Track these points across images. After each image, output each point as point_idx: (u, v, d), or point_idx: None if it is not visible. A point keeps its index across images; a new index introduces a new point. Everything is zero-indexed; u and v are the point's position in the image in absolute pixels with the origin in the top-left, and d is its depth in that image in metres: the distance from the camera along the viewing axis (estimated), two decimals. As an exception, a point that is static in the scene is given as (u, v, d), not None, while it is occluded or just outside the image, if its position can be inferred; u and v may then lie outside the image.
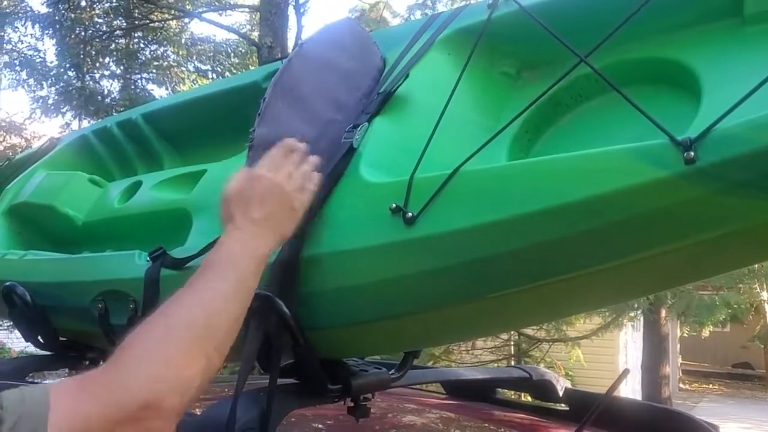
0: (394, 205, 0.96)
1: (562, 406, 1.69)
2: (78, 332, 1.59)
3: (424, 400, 1.79)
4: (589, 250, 0.84)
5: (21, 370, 1.58)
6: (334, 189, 1.08)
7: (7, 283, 1.57)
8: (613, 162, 0.81)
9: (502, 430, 1.48)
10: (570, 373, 7.70)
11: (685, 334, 13.42)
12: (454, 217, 0.91)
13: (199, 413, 1.08)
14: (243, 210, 0.91)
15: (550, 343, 6.33)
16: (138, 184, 1.75)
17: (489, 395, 1.78)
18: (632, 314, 5.47)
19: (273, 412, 1.02)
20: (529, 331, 6.85)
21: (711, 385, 14.41)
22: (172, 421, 0.70)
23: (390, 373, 1.24)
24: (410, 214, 0.94)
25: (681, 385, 13.89)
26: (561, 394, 1.67)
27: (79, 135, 2.20)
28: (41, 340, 1.65)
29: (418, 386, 2.07)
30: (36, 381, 1.58)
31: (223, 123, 1.78)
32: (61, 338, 1.64)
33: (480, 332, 1.54)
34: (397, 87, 1.16)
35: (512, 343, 7.11)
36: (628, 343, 10.57)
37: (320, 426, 1.50)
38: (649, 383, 6.01)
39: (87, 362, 1.67)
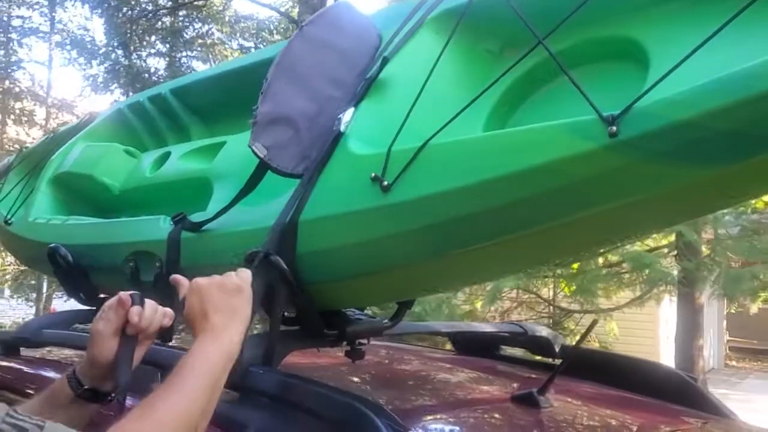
0: (373, 175, 1.09)
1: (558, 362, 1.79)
2: (113, 288, 1.77)
3: (430, 354, 1.93)
4: (532, 212, 0.96)
5: (67, 322, 1.78)
6: (326, 162, 1.21)
7: (52, 245, 1.75)
8: (551, 136, 0.92)
9: (488, 377, 1.60)
10: (606, 345, 7.73)
11: (733, 311, 13.17)
12: (422, 185, 1.04)
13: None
14: (203, 320, 0.95)
15: (581, 315, 6.38)
16: (167, 155, 1.92)
17: (493, 351, 1.91)
18: (662, 288, 5.47)
19: (276, 351, 1.18)
20: (563, 303, 6.92)
21: (760, 363, 14.16)
22: None
23: (384, 322, 1.39)
24: (386, 182, 1.07)
25: (728, 362, 13.69)
26: (558, 349, 1.78)
27: (115, 109, 2.37)
28: (82, 296, 1.84)
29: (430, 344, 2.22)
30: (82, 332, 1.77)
31: (244, 96, 1.91)
32: (99, 294, 1.83)
33: (451, 284, 1.66)
34: (378, 73, 1.28)
35: (546, 314, 7.17)
36: (671, 317, 10.47)
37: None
38: (683, 356, 6.00)
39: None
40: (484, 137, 1.07)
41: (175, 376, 0.88)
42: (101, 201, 2.01)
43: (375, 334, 1.39)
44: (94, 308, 1.85)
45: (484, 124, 1.25)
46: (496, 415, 1.29)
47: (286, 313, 1.27)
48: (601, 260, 5.68)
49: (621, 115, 0.86)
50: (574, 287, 5.68)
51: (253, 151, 1.23)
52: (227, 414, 1.04)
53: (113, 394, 0.99)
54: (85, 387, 0.99)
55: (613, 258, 5.54)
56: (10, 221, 2.11)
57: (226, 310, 0.96)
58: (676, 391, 1.53)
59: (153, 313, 0.99)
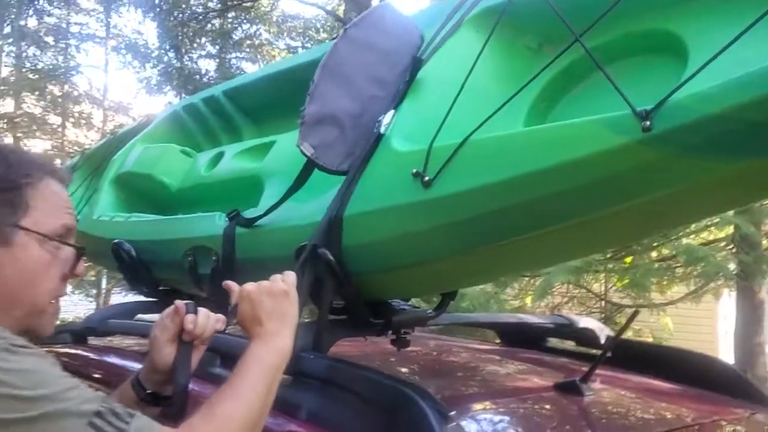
0: (414, 171, 1.14)
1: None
2: (173, 281, 1.88)
3: (477, 346, 1.97)
4: (569, 206, 0.99)
5: (130, 313, 1.89)
6: (369, 160, 1.26)
7: (116, 241, 1.86)
8: (587, 130, 0.96)
9: (533, 367, 1.63)
10: (661, 341, 7.58)
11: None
12: (462, 180, 1.08)
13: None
14: (256, 325, 1.03)
15: (634, 310, 6.28)
16: (221, 155, 2.01)
17: (539, 343, 1.93)
18: (720, 282, 5.35)
19: (324, 339, 1.24)
20: (614, 298, 6.82)
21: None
22: None
23: (428, 312, 1.44)
24: (427, 178, 1.12)
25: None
26: (603, 341, 1.80)
27: (171, 111, 2.48)
28: (144, 289, 1.94)
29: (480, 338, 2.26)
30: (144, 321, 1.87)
31: (292, 96, 1.98)
32: (160, 287, 1.93)
33: (492, 275, 1.70)
34: (414, 76, 1.32)
35: (598, 309, 7.09)
36: (730, 312, 10.18)
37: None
38: (742, 352, 5.85)
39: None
40: (522, 132, 1.10)
41: (234, 379, 0.96)
42: (160, 199, 2.11)
43: (419, 323, 1.44)
44: (156, 300, 1.97)
45: (525, 119, 1.29)
46: (539, 403, 1.33)
47: (334, 303, 1.34)
48: (654, 254, 5.59)
49: (654, 109, 0.88)
50: (626, 281, 5.60)
51: (301, 150, 1.29)
52: (281, 396, 1.11)
53: (172, 398, 1.06)
54: (148, 391, 1.09)
55: (666, 252, 5.44)
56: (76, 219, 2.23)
57: (277, 315, 1.03)
58: (723, 381, 1.53)
59: (206, 320, 1.06)
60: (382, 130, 1.28)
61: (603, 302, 6.97)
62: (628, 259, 5.66)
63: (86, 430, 0.79)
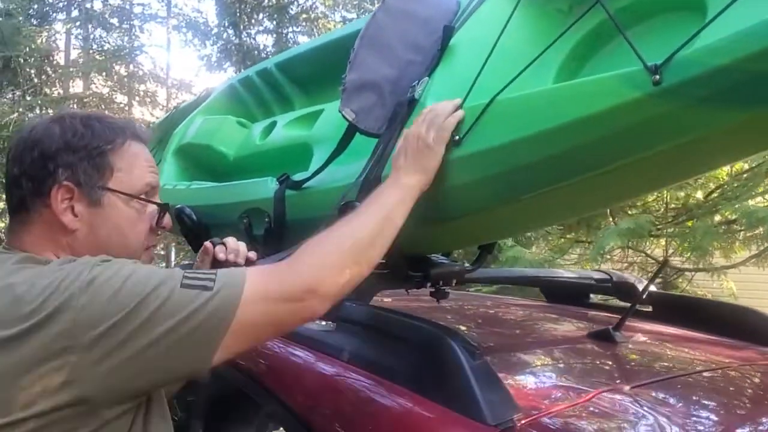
0: None
1: (647, 308, 1.85)
2: (231, 242, 2.01)
3: (518, 302, 2.05)
4: (590, 157, 1.05)
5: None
6: (406, 122, 1.34)
7: (178, 206, 2.00)
8: (603, 86, 1.01)
9: (570, 320, 1.69)
10: (726, 305, 7.42)
11: None
12: (489, 138, 1.15)
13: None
14: (395, 162, 1.21)
15: (693, 273, 6.18)
16: (273, 124, 2.13)
17: (581, 299, 2.00)
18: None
19: (366, 289, 1.34)
20: (676, 262, 6.71)
21: None
22: (326, 305, 0.99)
23: (466, 266, 1.52)
24: (457, 137, 1.19)
25: None
26: (644, 296, 1.84)
27: (227, 84, 2.60)
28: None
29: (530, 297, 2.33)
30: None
31: (339, 66, 2.07)
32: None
33: (523, 227, 1.76)
34: (448, 42, 1.39)
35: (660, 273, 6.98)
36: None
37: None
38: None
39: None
40: (544, 90, 1.16)
41: (358, 208, 1.13)
42: (218, 167, 2.25)
43: (457, 277, 1.52)
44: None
45: (554, 78, 1.33)
46: (571, 350, 1.40)
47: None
48: (718, 217, 5.47)
49: (664, 64, 0.93)
50: (686, 245, 5.52)
51: (342, 115, 1.38)
52: (325, 340, 1.23)
53: None
54: None
55: (729, 215, 5.33)
56: (143, 189, 2.40)
57: (413, 158, 1.18)
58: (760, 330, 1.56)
59: (235, 244, 1.24)
60: (416, 95, 1.35)
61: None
62: (690, 223, 5.57)
63: (181, 291, 0.90)
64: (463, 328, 1.45)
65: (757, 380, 1.32)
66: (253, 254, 1.21)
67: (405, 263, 1.41)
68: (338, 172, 1.51)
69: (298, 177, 1.63)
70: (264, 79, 2.39)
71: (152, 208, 1.11)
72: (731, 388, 1.27)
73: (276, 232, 1.64)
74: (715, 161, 1.32)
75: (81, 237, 1.03)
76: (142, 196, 1.08)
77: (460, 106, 1.22)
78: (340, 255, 1.02)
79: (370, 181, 1.32)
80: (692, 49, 0.92)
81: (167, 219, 1.15)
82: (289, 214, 1.65)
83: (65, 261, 0.95)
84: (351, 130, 1.44)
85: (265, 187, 1.74)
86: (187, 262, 2.18)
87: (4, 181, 1.08)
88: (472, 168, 1.19)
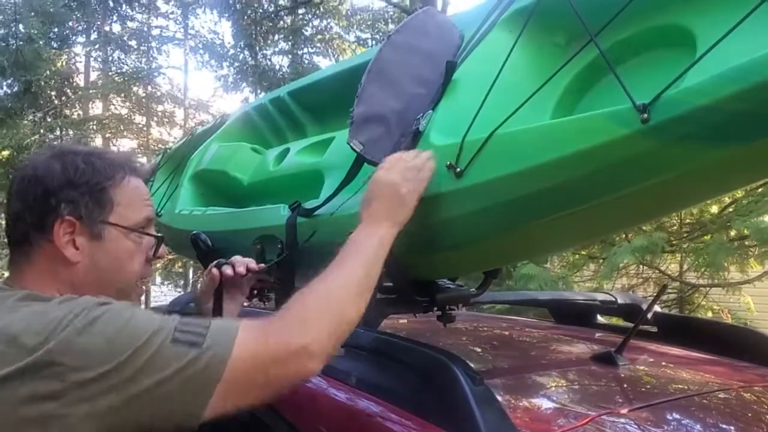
0: (448, 163, 1.27)
1: (652, 328, 1.88)
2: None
3: (525, 323, 2.09)
4: (584, 190, 1.10)
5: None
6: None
7: (194, 232, 2.07)
8: (595, 123, 1.06)
9: (574, 341, 1.73)
10: (743, 321, 7.37)
11: None
12: (488, 170, 1.21)
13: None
14: (366, 208, 1.23)
15: (707, 289, 6.16)
16: (286, 151, 2.20)
17: (590, 320, 2.03)
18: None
19: (375, 315, 1.40)
20: (691, 278, 6.68)
21: None
22: (320, 363, 0.98)
23: (471, 291, 1.57)
24: (459, 169, 1.25)
25: None
26: (649, 316, 1.88)
27: (242, 111, 2.69)
28: (221, 275, 2.15)
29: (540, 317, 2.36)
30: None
31: (349, 94, 2.14)
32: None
33: (522, 255, 1.80)
34: (451, 76, 1.45)
35: (674, 290, 6.96)
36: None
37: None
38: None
39: (255, 291, 2.16)
40: (540, 126, 1.21)
41: (336, 260, 1.14)
42: (233, 192, 2.32)
43: (463, 301, 1.57)
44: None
45: (552, 112, 1.39)
46: (573, 373, 1.44)
47: (383, 283, 1.49)
48: (733, 232, 5.47)
49: (651, 103, 0.98)
50: (700, 261, 5.51)
51: (351, 146, 1.45)
52: (335, 365, 1.28)
53: None
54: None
55: (743, 230, 5.32)
56: (160, 214, 2.48)
57: (387, 209, 1.22)
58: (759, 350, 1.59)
59: (242, 259, 1.37)
60: (420, 127, 1.41)
61: (679, 283, 6.85)
62: (706, 237, 5.56)
63: (170, 347, 0.91)
64: (469, 349, 1.49)
65: (757, 401, 1.35)
66: (262, 265, 1.28)
67: (412, 288, 1.46)
68: (348, 200, 1.57)
69: (309, 204, 1.69)
70: (277, 107, 2.47)
71: (149, 240, 1.16)
72: (729, 409, 1.30)
73: (288, 258, 1.70)
74: (704, 194, 1.37)
75: (82, 269, 1.07)
76: (140, 229, 1.13)
77: (461, 142, 1.27)
78: (329, 312, 1.04)
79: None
80: (678, 89, 0.97)
81: (162, 249, 1.20)
82: (301, 240, 1.71)
83: (65, 299, 0.98)
84: (359, 161, 1.50)
85: (278, 214, 1.80)
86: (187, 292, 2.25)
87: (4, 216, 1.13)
88: (472, 199, 1.25)
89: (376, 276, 1.15)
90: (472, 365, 1.13)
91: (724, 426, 1.22)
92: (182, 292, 13.49)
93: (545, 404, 1.27)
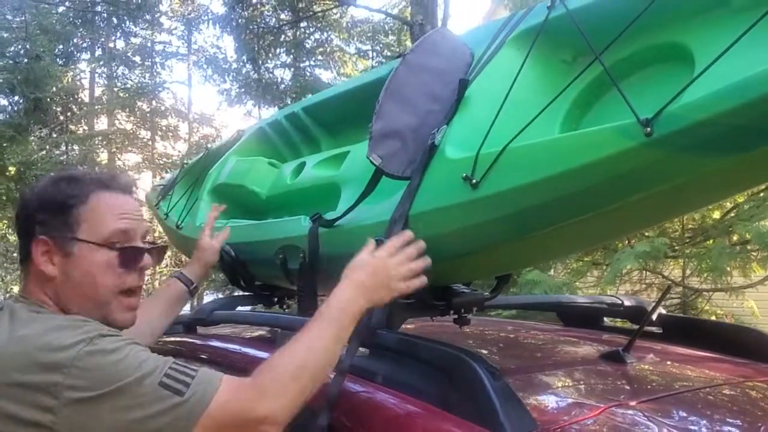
0: (464, 175, 1.36)
1: (657, 330, 1.97)
2: (267, 276, 2.17)
3: (535, 326, 2.17)
4: (591, 199, 1.19)
5: (231, 305, 2.19)
6: (427, 166, 1.49)
7: (218, 245, 2.16)
8: (601, 137, 1.15)
9: (583, 342, 1.81)
10: (749, 325, 7.42)
11: None
12: (503, 182, 1.30)
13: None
14: (354, 275, 1.28)
15: (710, 294, 6.23)
16: (303, 165, 2.29)
17: (597, 323, 2.11)
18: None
19: (396, 318, 1.48)
20: (694, 283, 6.75)
21: None
22: (282, 427, 1.09)
23: (485, 294, 1.66)
24: (474, 180, 1.34)
25: None
26: (654, 318, 1.96)
27: (257, 127, 2.79)
28: (242, 284, 2.24)
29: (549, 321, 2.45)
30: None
31: (363, 109, 2.19)
32: (256, 282, 2.23)
33: (534, 259, 1.89)
34: (464, 93, 1.54)
35: (677, 295, 7.03)
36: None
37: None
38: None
39: (276, 299, 2.25)
40: (550, 140, 1.30)
41: (310, 325, 1.20)
42: (251, 205, 2.41)
43: (477, 304, 1.66)
44: (251, 293, 2.27)
45: (560, 125, 1.49)
46: (584, 370, 1.52)
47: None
48: (735, 237, 5.54)
49: (654, 117, 1.07)
50: (703, 265, 5.58)
51: (370, 160, 1.54)
52: (362, 365, 1.37)
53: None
54: (195, 285, 1.76)
55: (745, 235, 5.39)
56: (180, 226, 2.57)
57: (373, 287, 1.28)
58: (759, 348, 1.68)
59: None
60: (436, 141, 1.50)
61: (681, 288, 6.91)
62: (709, 242, 5.63)
63: (157, 389, 1.03)
64: (485, 351, 1.58)
65: (755, 395, 1.43)
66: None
67: (429, 293, 1.55)
68: (367, 211, 1.66)
69: (329, 215, 1.78)
70: (292, 122, 2.57)
71: (126, 252, 1.21)
72: (730, 403, 1.38)
73: (310, 267, 1.79)
74: (706, 199, 1.46)
75: (59, 284, 1.18)
76: (110, 243, 1.20)
77: (476, 156, 1.36)
78: (299, 381, 1.12)
79: (400, 219, 1.46)
80: (678, 104, 1.06)
81: (147, 260, 1.26)
82: (322, 249, 1.80)
83: (73, 322, 1.11)
84: (378, 174, 1.59)
85: (299, 225, 1.89)
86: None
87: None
88: (488, 208, 1.34)
89: (343, 345, 1.23)
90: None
91: (726, 417, 1.30)
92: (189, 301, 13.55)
93: (559, 397, 1.35)
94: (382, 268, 1.31)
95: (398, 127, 1.58)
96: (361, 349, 1.41)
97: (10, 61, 9.99)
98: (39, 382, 1.00)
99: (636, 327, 2.07)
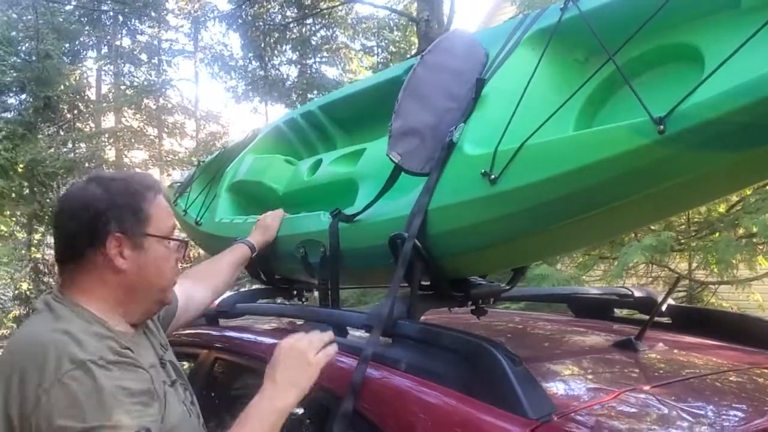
0: (483, 170, 1.42)
1: (667, 320, 2.03)
2: (287, 270, 2.23)
3: (548, 317, 2.23)
4: (606, 194, 1.25)
5: (253, 298, 2.26)
6: (446, 162, 1.55)
7: (239, 240, 2.22)
8: (616, 134, 1.21)
9: (597, 332, 1.88)
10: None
11: None
12: (520, 177, 1.35)
13: (368, 310, 1.63)
14: (270, 374, 1.31)
15: (717, 287, 6.27)
16: (319, 162, 2.35)
17: (607, 314, 2.17)
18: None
19: (416, 309, 1.55)
20: (700, 276, 6.80)
21: None
22: None
23: (502, 286, 1.72)
24: (493, 176, 1.40)
25: None
26: (663, 309, 2.02)
27: (274, 125, 2.85)
28: (263, 278, 2.31)
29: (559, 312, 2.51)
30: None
31: (378, 108, 2.25)
32: (276, 275, 2.29)
33: (550, 252, 1.95)
34: (480, 92, 1.60)
35: (683, 288, 7.08)
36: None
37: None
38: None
39: (295, 292, 2.32)
40: (567, 137, 1.36)
41: (238, 426, 1.23)
42: (269, 202, 2.47)
43: (494, 295, 1.72)
44: (272, 287, 2.33)
45: (575, 122, 1.54)
46: (598, 358, 1.59)
47: (423, 281, 1.63)
48: (741, 230, 5.58)
49: (667, 116, 1.13)
50: (709, 258, 5.62)
51: (390, 158, 1.60)
52: (385, 354, 1.43)
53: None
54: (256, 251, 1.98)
55: (752, 227, 5.43)
56: (200, 222, 2.64)
57: (292, 376, 1.31)
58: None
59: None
60: (454, 138, 1.56)
61: (688, 280, 6.96)
62: (716, 235, 5.67)
63: None
64: (501, 339, 1.64)
65: (761, 381, 1.50)
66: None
67: (448, 285, 1.61)
68: (386, 207, 1.72)
69: (348, 211, 1.84)
70: (308, 121, 2.63)
71: (177, 245, 1.39)
72: (737, 388, 1.44)
73: (331, 261, 1.85)
74: (716, 193, 1.52)
75: (129, 275, 1.30)
76: (170, 236, 1.37)
77: (494, 152, 1.42)
78: None
79: (419, 215, 1.52)
80: (689, 103, 1.12)
81: (188, 252, 1.45)
82: (342, 243, 1.86)
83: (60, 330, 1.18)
84: (397, 170, 1.65)
85: (319, 220, 1.95)
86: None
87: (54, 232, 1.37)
88: (506, 203, 1.40)
89: None
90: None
91: (733, 402, 1.36)
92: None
93: (576, 382, 1.42)
94: (291, 351, 1.35)
95: (417, 125, 1.64)
96: (384, 339, 1.47)
97: (18, 60, 10.08)
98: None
99: (646, 318, 2.14)
